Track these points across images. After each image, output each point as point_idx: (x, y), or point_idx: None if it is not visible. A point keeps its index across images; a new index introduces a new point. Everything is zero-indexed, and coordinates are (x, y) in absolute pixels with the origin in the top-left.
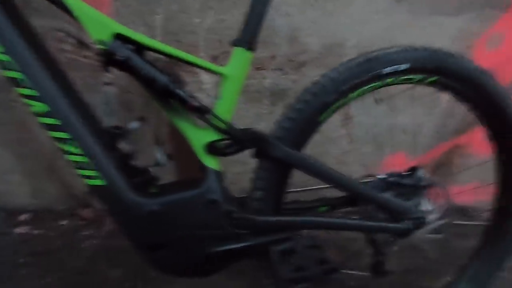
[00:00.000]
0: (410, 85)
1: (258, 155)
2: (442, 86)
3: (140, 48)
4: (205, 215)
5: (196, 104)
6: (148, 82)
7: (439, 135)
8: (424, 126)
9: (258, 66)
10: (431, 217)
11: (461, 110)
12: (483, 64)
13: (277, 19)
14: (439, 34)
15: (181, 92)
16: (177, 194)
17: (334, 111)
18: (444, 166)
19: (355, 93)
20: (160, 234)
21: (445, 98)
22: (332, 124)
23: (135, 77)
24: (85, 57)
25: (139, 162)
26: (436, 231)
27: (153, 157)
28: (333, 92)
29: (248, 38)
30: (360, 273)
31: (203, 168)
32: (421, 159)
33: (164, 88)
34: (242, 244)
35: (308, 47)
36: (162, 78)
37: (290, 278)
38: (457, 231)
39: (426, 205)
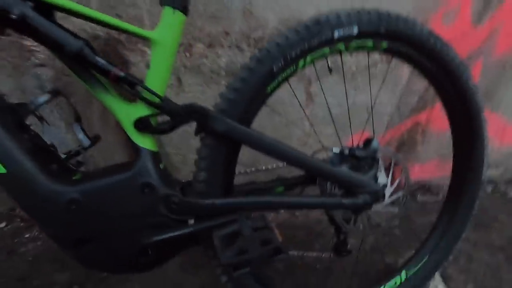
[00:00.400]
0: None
1: (199, 130)
2: (394, 53)
3: (44, 7)
4: (139, 201)
5: (120, 74)
6: (55, 47)
7: (401, 112)
8: (386, 105)
9: (210, 43)
10: (388, 190)
11: (421, 87)
12: None
13: None
14: (396, 8)
15: (100, 60)
16: (103, 179)
17: (283, 81)
18: (406, 144)
19: (305, 60)
20: (85, 227)
21: (405, 76)
22: (295, 106)
23: (39, 41)
24: (8, 34)
25: (61, 145)
26: (394, 204)
27: (76, 139)
28: (280, 58)
29: None
30: (323, 254)
31: (135, 148)
32: (385, 137)
33: (77, 54)
34: (184, 231)
35: (264, 22)
36: (74, 43)
37: (231, 262)
38: (420, 208)
39: (383, 178)
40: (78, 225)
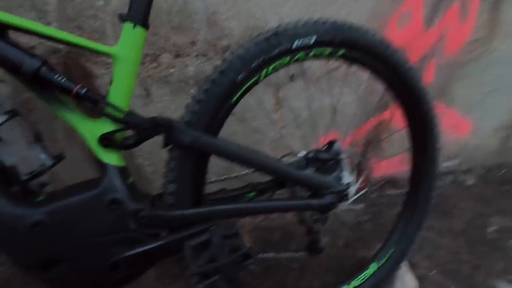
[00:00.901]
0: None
1: (166, 143)
2: (350, 59)
3: None
4: (107, 218)
5: (81, 91)
6: (11, 68)
7: (365, 112)
8: (351, 105)
9: (177, 53)
10: (352, 188)
11: (381, 87)
12: (396, 42)
13: (192, 1)
14: (355, 14)
15: (59, 79)
16: (68, 199)
17: (247, 91)
18: (372, 141)
19: (267, 70)
20: (51, 249)
21: (366, 77)
22: (264, 111)
23: None
24: None
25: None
26: (359, 201)
27: (37, 159)
28: (242, 69)
29: (137, 12)
30: (297, 254)
31: (101, 164)
32: (352, 137)
33: (34, 74)
34: (156, 244)
35: (230, 30)
36: (30, 63)
37: (201, 271)
38: (388, 201)
39: (347, 178)
40: (44, 248)
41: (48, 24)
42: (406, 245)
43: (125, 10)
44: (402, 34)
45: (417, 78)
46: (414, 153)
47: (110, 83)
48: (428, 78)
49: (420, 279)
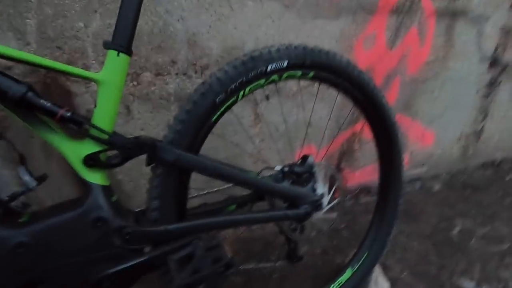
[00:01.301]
0: (295, 81)
1: (149, 162)
2: (319, 79)
3: None
4: (91, 236)
5: (66, 115)
6: None
7: (339, 125)
8: (325, 119)
9: (158, 72)
10: (326, 198)
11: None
12: (363, 63)
13: (172, 23)
14: (325, 36)
15: (45, 103)
16: (52, 218)
17: (226, 110)
18: (346, 152)
19: (245, 91)
20: (35, 269)
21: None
22: (244, 125)
23: None
24: None
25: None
26: (333, 210)
27: (20, 180)
28: (221, 91)
29: (120, 40)
30: (277, 263)
31: (85, 184)
32: (327, 148)
33: (21, 99)
34: (140, 260)
35: (209, 50)
36: (17, 88)
37: (186, 283)
38: (363, 209)
39: (321, 189)
40: (27, 269)
41: (27, 44)
42: (378, 249)
43: (109, 37)
44: (368, 55)
45: (380, 96)
46: (381, 164)
47: (95, 105)
48: (393, 94)
49: (392, 280)
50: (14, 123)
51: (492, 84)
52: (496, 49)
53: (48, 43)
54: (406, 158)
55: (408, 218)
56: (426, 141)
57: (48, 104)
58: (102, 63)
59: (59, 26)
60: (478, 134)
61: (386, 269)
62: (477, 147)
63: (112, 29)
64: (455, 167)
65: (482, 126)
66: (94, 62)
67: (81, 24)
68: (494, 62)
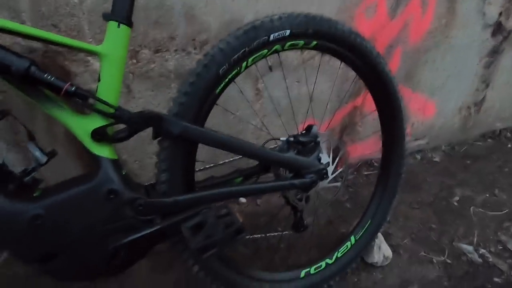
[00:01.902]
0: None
1: (156, 135)
2: (323, 49)
3: None
4: (105, 208)
5: (71, 89)
6: (1, 69)
7: (340, 99)
8: (326, 92)
9: (156, 49)
10: (330, 167)
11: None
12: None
13: None
14: (325, 6)
15: (49, 77)
16: (65, 192)
17: (230, 82)
18: (348, 126)
19: (247, 62)
20: (52, 241)
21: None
22: (246, 101)
23: None
24: None
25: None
26: (336, 180)
27: (31, 156)
28: (224, 62)
29: (120, 11)
30: (283, 233)
31: (94, 158)
32: (329, 122)
33: (24, 74)
34: (153, 229)
35: (207, 25)
36: (20, 63)
37: (200, 247)
38: (365, 180)
39: (325, 158)
40: (44, 240)
41: (22, 23)
42: (380, 218)
43: (108, 9)
44: (369, 24)
45: (384, 65)
46: (384, 134)
47: (98, 79)
48: (395, 65)
49: (395, 247)
50: (16, 105)
51: (495, 52)
52: (499, 15)
53: (43, 21)
54: (407, 130)
55: (410, 188)
56: (427, 112)
57: (52, 79)
58: (99, 40)
59: (53, 3)
60: (479, 103)
61: (388, 237)
62: (478, 117)
63: (107, 5)
64: (456, 138)
65: (484, 95)
66: (91, 40)
67: (76, 0)
68: (497, 29)
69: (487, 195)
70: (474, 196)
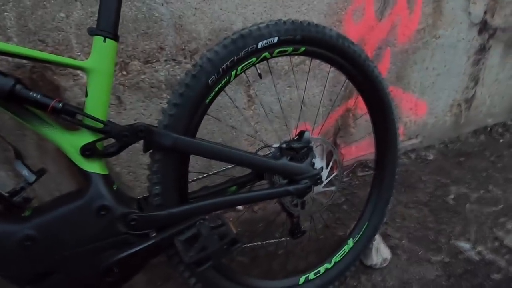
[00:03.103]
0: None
1: (147, 148)
2: (311, 54)
3: None
4: (97, 225)
5: (58, 106)
6: None
7: (332, 102)
8: (318, 96)
9: (146, 59)
10: (324, 172)
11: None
12: (353, 36)
13: (157, 8)
14: (313, 11)
15: (35, 95)
16: (56, 210)
17: (220, 91)
18: (341, 128)
19: (237, 70)
20: (43, 261)
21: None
22: (238, 108)
23: None
24: None
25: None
26: (331, 184)
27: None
28: (213, 72)
29: (105, 25)
30: (282, 239)
31: (84, 174)
32: (322, 126)
33: (9, 93)
34: (147, 244)
35: (196, 34)
36: (4, 82)
37: (194, 260)
38: (361, 182)
39: (319, 163)
40: (36, 261)
41: (8, 39)
42: (377, 219)
43: (93, 24)
44: (358, 28)
45: (373, 68)
46: (377, 136)
47: (86, 95)
48: (385, 66)
49: (393, 248)
50: (4, 123)
51: (482, 50)
52: (484, 14)
53: (30, 37)
54: (400, 130)
55: (405, 188)
56: (419, 111)
57: (38, 96)
58: (88, 54)
59: (39, 18)
60: (470, 101)
61: (386, 238)
62: (469, 114)
63: (94, 18)
64: (449, 136)
65: (474, 93)
66: (79, 53)
67: (62, 15)
68: (483, 27)
69: (482, 191)
70: (469, 193)
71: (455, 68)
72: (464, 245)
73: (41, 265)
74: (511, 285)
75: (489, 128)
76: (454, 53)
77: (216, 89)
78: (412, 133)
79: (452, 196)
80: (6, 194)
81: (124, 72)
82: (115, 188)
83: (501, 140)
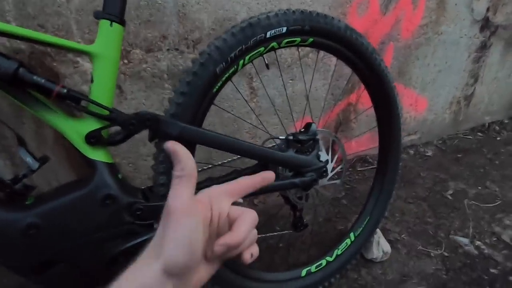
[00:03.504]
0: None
1: (153, 137)
2: (319, 46)
3: None
4: (102, 214)
5: (63, 91)
6: None
7: (334, 96)
8: (321, 90)
9: (148, 48)
10: (330, 165)
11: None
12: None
13: None
14: (318, 3)
15: (39, 79)
16: (59, 199)
17: (227, 80)
18: (343, 123)
19: (244, 60)
20: (48, 250)
21: (333, 62)
22: (241, 100)
23: None
24: None
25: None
26: (336, 177)
27: (22, 162)
28: (221, 60)
29: (112, 9)
30: (284, 232)
31: (89, 163)
32: (324, 120)
33: (13, 76)
34: (152, 234)
35: (200, 23)
36: (7, 65)
37: None
38: (361, 177)
39: (324, 156)
40: (40, 250)
41: (7, 23)
42: (378, 214)
43: (97, 7)
44: (362, 20)
45: (380, 61)
46: (381, 131)
47: (91, 80)
48: (387, 60)
49: (393, 242)
50: (3, 110)
51: (483, 47)
52: (487, 11)
53: (29, 21)
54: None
55: (405, 183)
56: (419, 107)
57: (43, 81)
58: (89, 40)
59: (39, 2)
60: (469, 98)
61: (386, 232)
62: (468, 111)
63: (96, 3)
64: (447, 132)
65: (473, 90)
66: (80, 40)
67: None
68: (485, 24)
69: (480, 187)
70: (467, 189)
71: (456, 65)
72: (463, 239)
73: (45, 254)
74: (508, 279)
75: (487, 126)
76: (455, 49)
77: (224, 78)
78: (411, 129)
79: (450, 192)
80: (8, 181)
81: (126, 61)
82: (120, 177)
83: (498, 138)
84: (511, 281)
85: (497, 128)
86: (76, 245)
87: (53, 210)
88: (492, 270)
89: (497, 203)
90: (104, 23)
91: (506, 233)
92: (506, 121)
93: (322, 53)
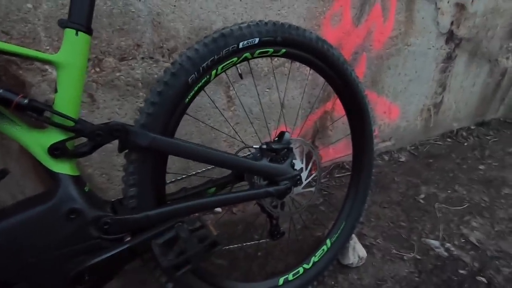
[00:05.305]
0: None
1: (122, 148)
2: (292, 56)
3: None
4: (66, 229)
5: (24, 102)
6: None
7: (311, 104)
8: (297, 98)
9: (122, 56)
10: (304, 173)
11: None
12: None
13: (133, 3)
14: (293, 14)
15: None
16: (20, 214)
17: (199, 90)
18: (320, 130)
19: (217, 70)
20: (9, 268)
21: (308, 72)
22: (217, 109)
23: None
24: None
25: None
26: (310, 185)
27: None
28: (193, 70)
29: (78, 17)
30: (261, 240)
31: (52, 176)
32: (300, 128)
33: None
34: (121, 249)
35: (175, 32)
36: None
37: (172, 264)
38: (338, 183)
39: (299, 164)
40: None
41: None
42: (353, 220)
43: (65, 15)
44: (335, 31)
45: (350, 71)
46: (354, 138)
47: (55, 91)
48: (361, 70)
49: (368, 247)
50: None
51: (449, 58)
52: (451, 24)
53: None
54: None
55: (380, 189)
56: (392, 115)
57: (1, 91)
58: (58, 48)
59: (3, 8)
60: (438, 106)
61: (362, 237)
62: (437, 119)
63: (66, 11)
64: (419, 138)
65: (442, 98)
66: (48, 48)
67: (29, 6)
68: (449, 37)
69: (449, 191)
70: (438, 193)
71: (425, 75)
72: (434, 242)
73: (5, 273)
74: (476, 279)
75: (455, 132)
76: (424, 60)
77: (196, 88)
78: (386, 135)
79: (422, 196)
80: None
81: (98, 69)
82: (86, 190)
83: (465, 143)
84: (478, 281)
85: (464, 134)
86: (37, 263)
87: (14, 226)
88: (461, 271)
89: (465, 205)
90: (69, 32)
91: (473, 235)
92: (472, 127)
93: (298, 63)
